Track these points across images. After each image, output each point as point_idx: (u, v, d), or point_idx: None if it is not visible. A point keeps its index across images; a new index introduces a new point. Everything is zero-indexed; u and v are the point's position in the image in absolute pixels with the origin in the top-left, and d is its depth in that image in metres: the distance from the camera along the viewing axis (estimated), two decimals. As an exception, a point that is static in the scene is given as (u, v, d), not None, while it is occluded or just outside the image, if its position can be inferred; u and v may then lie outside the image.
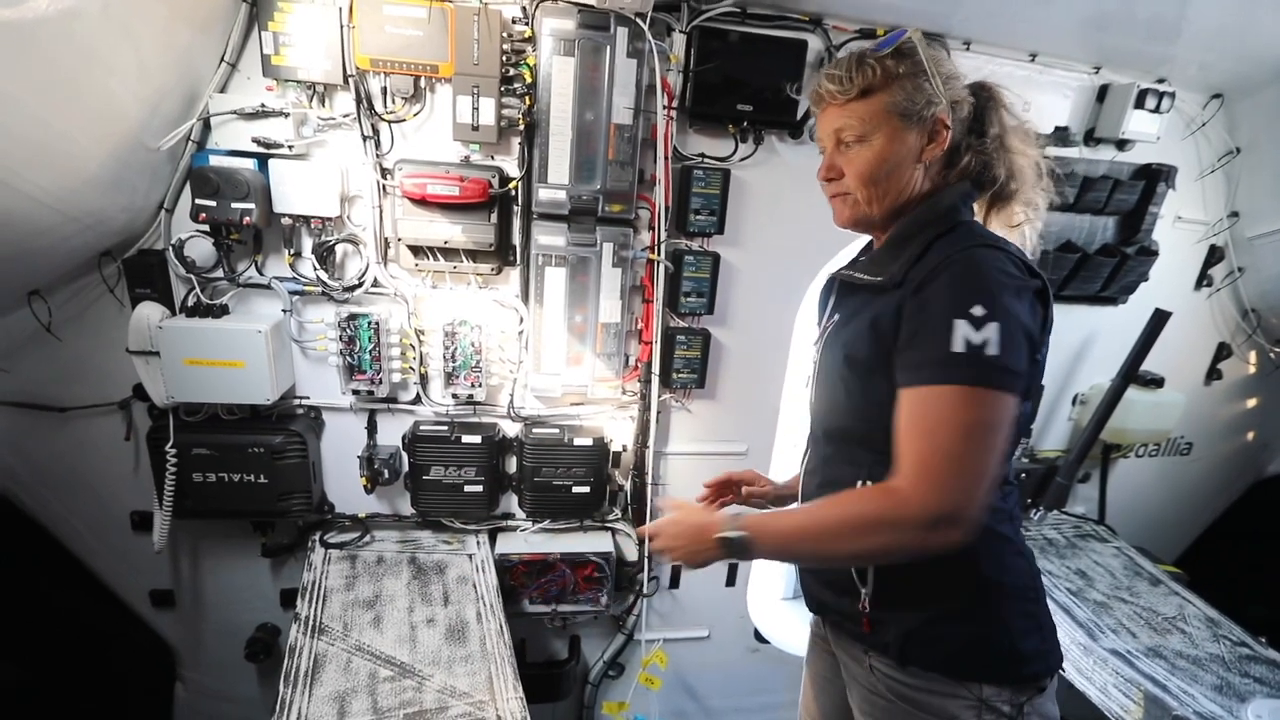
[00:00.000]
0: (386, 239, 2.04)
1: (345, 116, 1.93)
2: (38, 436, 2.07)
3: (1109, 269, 2.59)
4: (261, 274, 2.02)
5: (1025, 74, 2.33)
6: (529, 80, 1.91)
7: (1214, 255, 2.78)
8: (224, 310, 1.98)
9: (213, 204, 1.81)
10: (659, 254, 2.16)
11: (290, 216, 1.93)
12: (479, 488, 2.23)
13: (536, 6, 1.90)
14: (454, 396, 2.18)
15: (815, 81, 1.24)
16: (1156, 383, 2.80)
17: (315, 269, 2.02)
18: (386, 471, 2.20)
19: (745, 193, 2.23)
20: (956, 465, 0.99)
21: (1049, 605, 1.26)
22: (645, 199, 2.14)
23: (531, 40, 1.92)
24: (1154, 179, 2.52)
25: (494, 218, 1.99)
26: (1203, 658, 2.12)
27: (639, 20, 1.89)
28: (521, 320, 2.16)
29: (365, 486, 2.20)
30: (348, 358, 2.07)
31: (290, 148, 1.87)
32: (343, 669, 1.70)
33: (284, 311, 2.04)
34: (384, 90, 1.93)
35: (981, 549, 1.10)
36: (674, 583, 2.64)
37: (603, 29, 1.89)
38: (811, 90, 1.25)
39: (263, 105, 1.84)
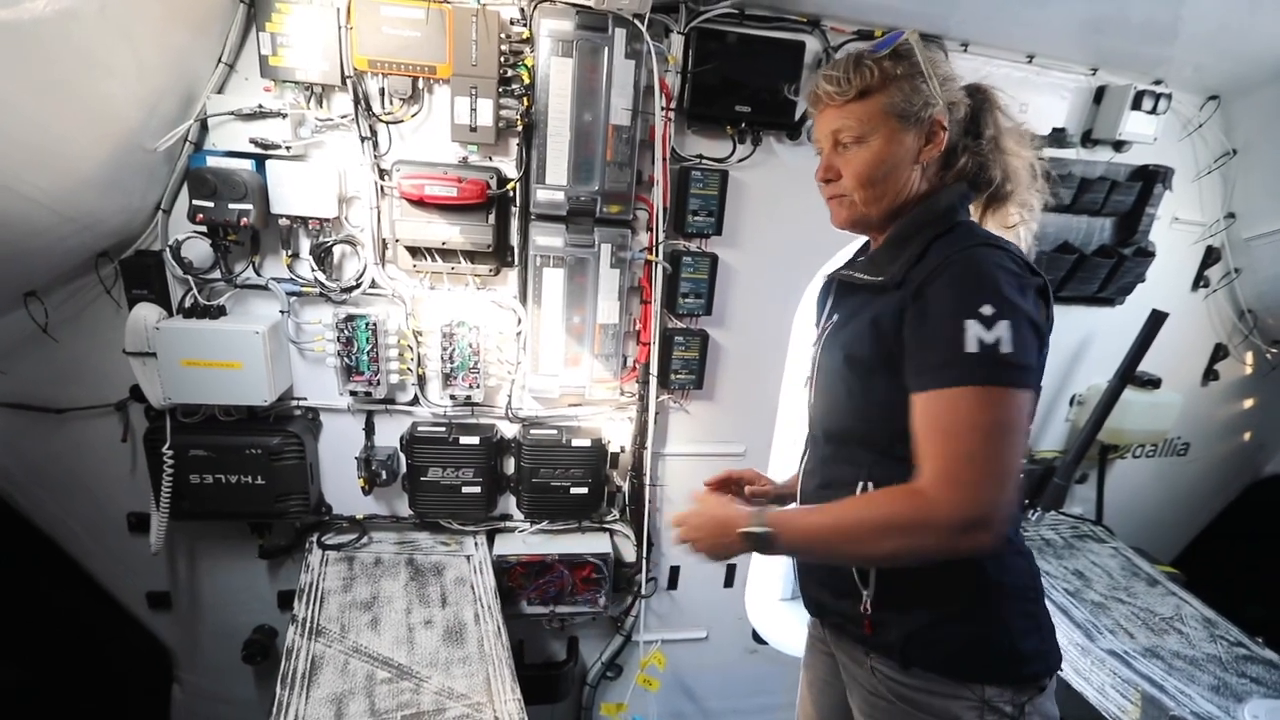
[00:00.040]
0: (384, 240, 2.04)
1: (343, 117, 1.93)
2: (34, 438, 2.07)
3: (1106, 270, 2.60)
4: (259, 275, 2.01)
5: (1022, 75, 2.33)
6: (527, 81, 1.91)
7: (1211, 256, 2.79)
8: (221, 311, 1.97)
9: (210, 205, 1.81)
10: (657, 255, 2.16)
11: (288, 217, 1.93)
12: (477, 489, 2.22)
13: (534, 7, 1.90)
14: (452, 398, 2.18)
15: (813, 83, 1.24)
16: (1154, 383, 2.81)
17: (313, 270, 2.02)
18: (384, 473, 2.19)
19: (743, 194, 2.23)
20: (983, 468, 0.99)
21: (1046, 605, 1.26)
22: (643, 200, 2.14)
23: (529, 41, 1.92)
24: (1151, 180, 2.53)
25: (492, 219, 1.99)
26: (1200, 658, 2.12)
27: (637, 21, 1.89)
28: (519, 321, 2.16)
29: (363, 488, 2.20)
30: (345, 359, 2.07)
31: (288, 149, 1.87)
32: (340, 671, 1.70)
33: (281, 312, 2.04)
34: (382, 91, 1.93)
35: None
36: (672, 584, 2.64)
37: (601, 30, 1.89)
38: (809, 91, 1.26)
39: (260, 106, 1.84)
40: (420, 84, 1.93)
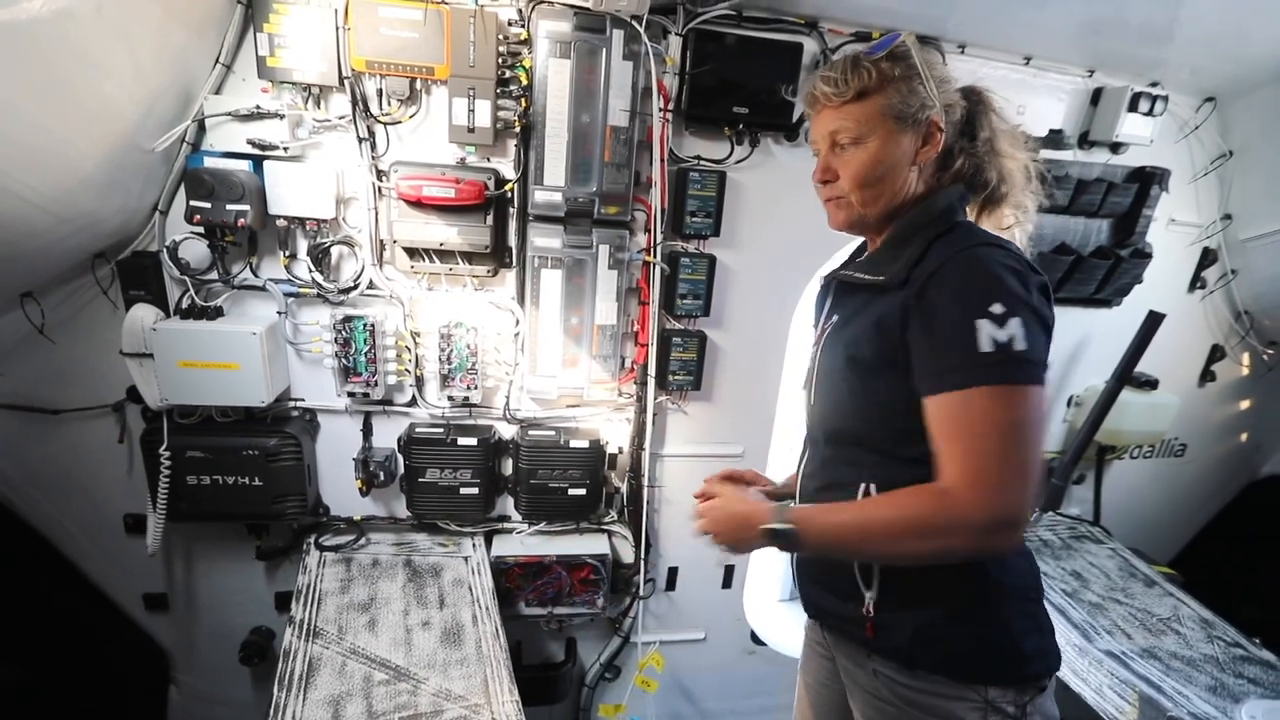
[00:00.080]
0: (382, 241, 2.04)
1: (341, 118, 1.93)
2: (31, 439, 2.06)
3: (1103, 271, 2.60)
4: (256, 276, 2.01)
5: (1020, 77, 2.34)
6: (525, 82, 1.91)
7: (1207, 258, 2.80)
8: (218, 312, 1.97)
9: (207, 206, 1.81)
10: (655, 256, 2.16)
11: (285, 218, 1.93)
12: (475, 490, 2.22)
13: (532, 9, 1.90)
14: (450, 399, 2.18)
15: (810, 84, 1.24)
16: (1151, 384, 2.82)
17: (310, 271, 2.01)
18: (382, 474, 2.19)
19: (741, 195, 2.23)
20: (1009, 467, 0.99)
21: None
22: (641, 201, 2.14)
23: (527, 43, 1.92)
24: (1148, 182, 2.53)
25: (490, 220, 1.99)
26: (1197, 659, 2.12)
27: (635, 23, 1.90)
28: (517, 322, 2.16)
29: (360, 489, 2.19)
30: (343, 360, 2.06)
31: (285, 149, 1.87)
32: (337, 672, 1.70)
33: (279, 313, 2.03)
34: (379, 92, 1.93)
35: None
36: (670, 585, 2.64)
37: (598, 31, 1.90)
38: (807, 93, 1.26)
39: (258, 107, 1.84)
40: (418, 85, 1.93)
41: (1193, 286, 2.85)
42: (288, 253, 1.99)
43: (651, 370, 2.27)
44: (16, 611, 2.28)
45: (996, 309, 1.01)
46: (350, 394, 2.12)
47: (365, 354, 2.06)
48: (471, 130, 1.91)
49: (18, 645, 2.33)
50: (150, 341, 1.87)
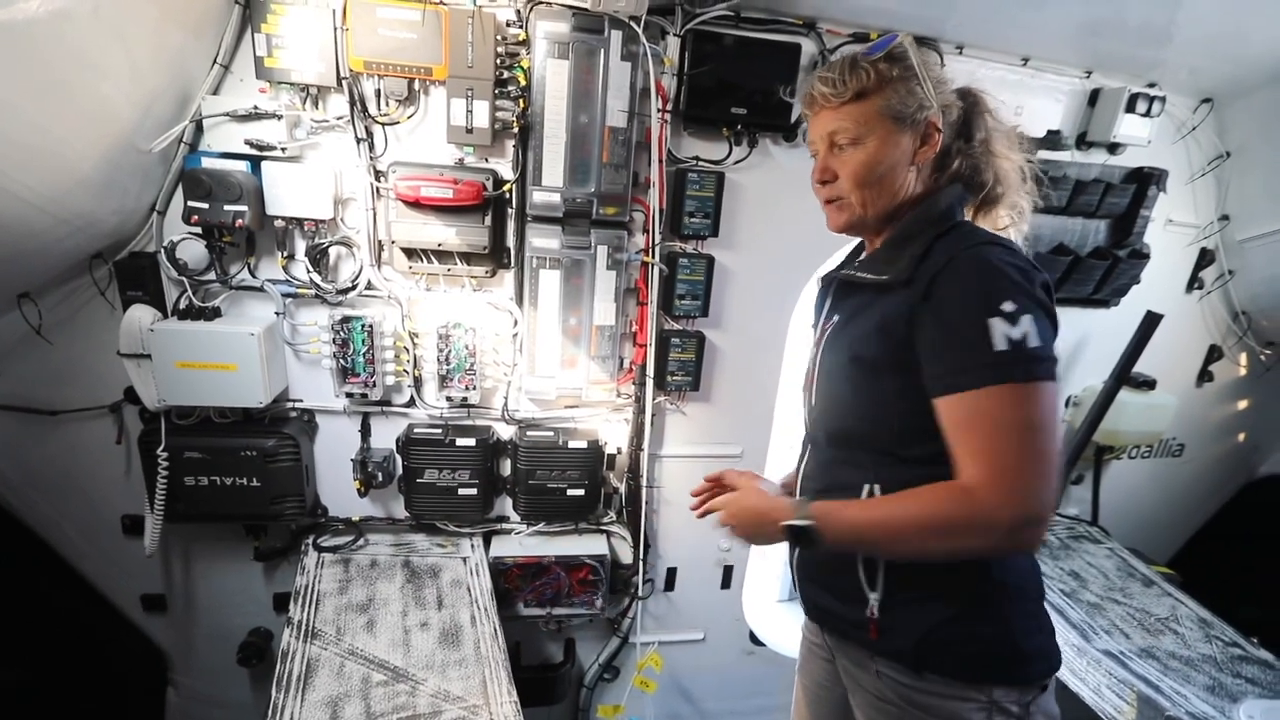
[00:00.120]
0: (380, 241, 2.04)
1: (339, 119, 1.92)
2: (28, 440, 2.06)
3: (1101, 272, 2.61)
4: (254, 276, 2.01)
5: (1018, 78, 2.34)
6: (523, 83, 1.91)
7: (1205, 258, 2.80)
8: (216, 313, 1.97)
9: (205, 206, 1.80)
10: (653, 257, 2.16)
11: (283, 219, 1.92)
12: (473, 491, 2.22)
13: (530, 9, 1.90)
14: (448, 399, 2.18)
15: (808, 85, 1.24)
16: (1148, 385, 2.82)
17: (308, 271, 2.01)
18: (380, 475, 2.19)
19: (739, 195, 2.23)
20: (1031, 464, 1.00)
21: (1042, 605, 1.26)
22: (640, 202, 2.14)
23: (526, 43, 1.92)
24: (1145, 182, 2.54)
25: (488, 220, 1.99)
26: (1195, 658, 2.13)
27: (633, 23, 1.90)
28: (516, 323, 2.16)
29: (359, 490, 2.19)
30: (341, 360, 2.06)
31: (283, 150, 1.87)
32: (336, 674, 1.70)
33: (277, 314, 2.03)
34: (378, 93, 1.93)
35: None
36: (669, 585, 2.64)
37: (597, 32, 1.90)
38: (805, 94, 1.26)
39: (256, 107, 1.83)
40: (416, 85, 1.93)
41: (1190, 287, 2.86)
42: (286, 253, 1.99)
43: (650, 371, 2.26)
44: (15, 613, 2.28)
45: (1008, 307, 1.01)
46: (348, 395, 2.12)
47: (363, 355, 2.06)
48: (470, 131, 1.91)
49: (16, 646, 2.32)
50: (148, 342, 1.87)
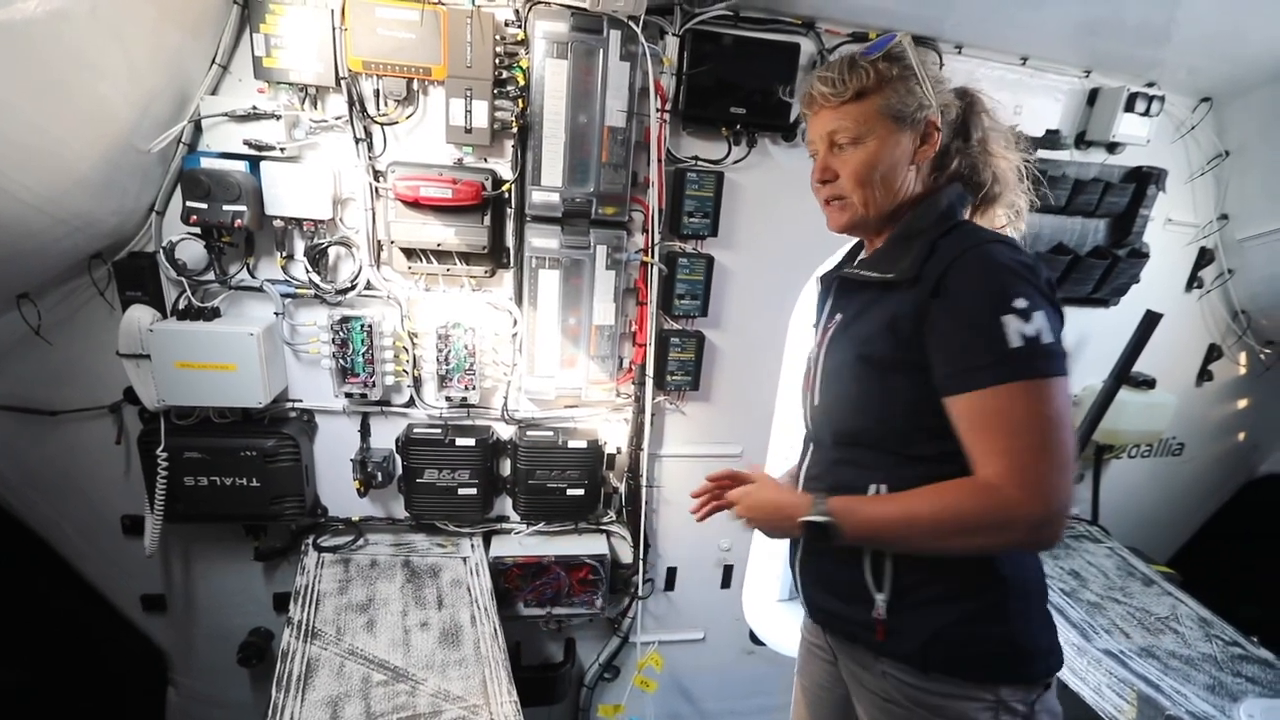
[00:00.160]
0: (379, 241, 2.04)
1: (337, 119, 1.92)
2: (28, 440, 2.06)
3: (1100, 271, 2.61)
4: (253, 277, 2.01)
5: (1016, 77, 2.34)
6: (522, 83, 1.91)
7: (1204, 257, 2.80)
8: (215, 313, 1.97)
9: (204, 206, 1.80)
10: (653, 256, 2.16)
11: (282, 219, 1.92)
12: (473, 491, 2.22)
13: (529, 9, 1.90)
14: (447, 399, 2.18)
15: (808, 85, 1.24)
16: (1148, 384, 2.82)
17: (307, 271, 2.01)
18: (380, 475, 2.19)
19: (738, 195, 2.23)
20: (1051, 460, 1.00)
21: (1043, 604, 1.26)
22: (639, 201, 2.14)
23: (524, 43, 1.92)
24: (1144, 182, 2.54)
25: (487, 220, 1.99)
26: (1195, 657, 2.13)
27: (632, 23, 1.90)
28: (515, 323, 2.16)
29: (358, 490, 2.19)
30: (340, 361, 2.06)
31: (282, 150, 1.87)
32: (336, 673, 1.70)
33: (276, 314, 2.03)
34: (376, 93, 1.93)
35: None
36: (669, 585, 2.64)
37: (596, 32, 1.90)
38: (804, 93, 1.26)
39: (254, 107, 1.83)
40: (415, 85, 1.93)
41: (1190, 286, 2.86)
42: (285, 253, 1.99)
43: (649, 370, 2.26)
44: (14, 613, 2.28)
45: (1020, 304, 1.01)
46: (348, 395, 2.12)
47: (363, 355, 2.06)
48: (468, 131, 1.91)
49: (16, 646, 2.32)
50: (147, 342, 1.87)
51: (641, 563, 2.46)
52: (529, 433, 2.24)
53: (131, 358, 1.90)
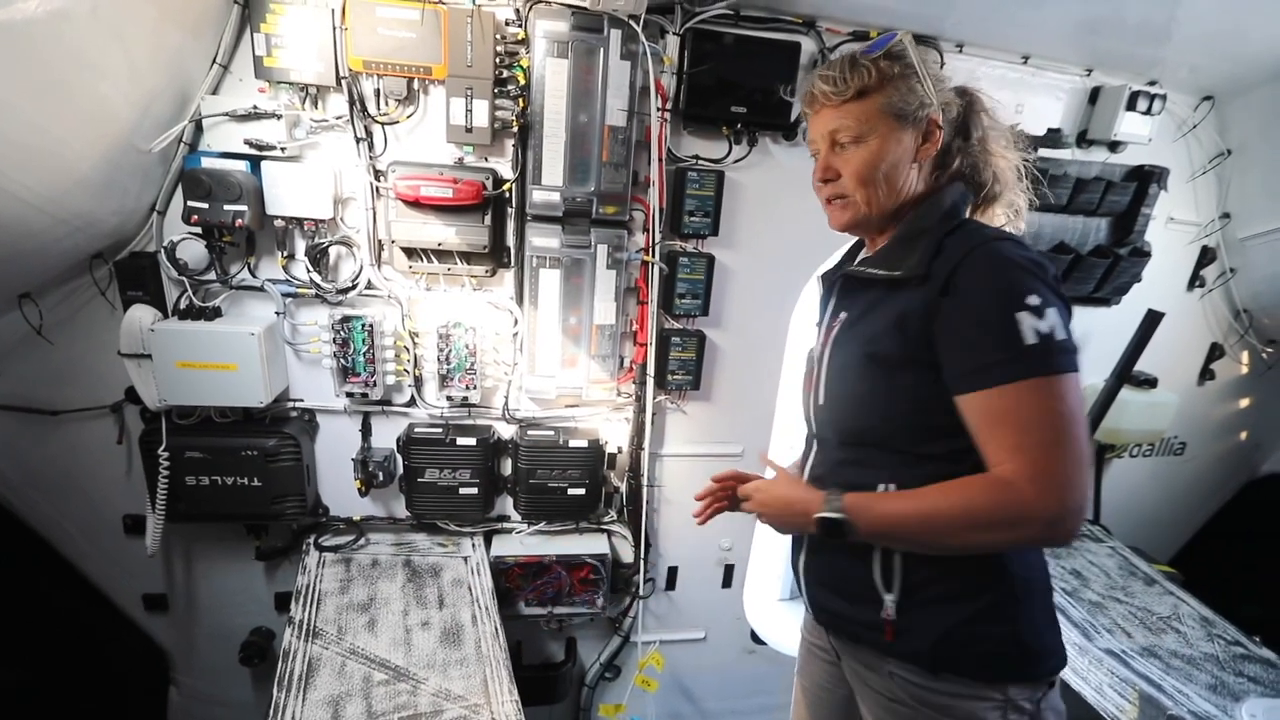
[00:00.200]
0: (380, 241, 2.04)
1: (338, 118, 1.93)
2: (29, 440, 2.06)
3: (1102, 270, 2.60)
4: (254, 276, 2.01)
5: (1018, 76, 2.34)
6: (522, 82, 1.91)
7: (1206, 256, 2.80)
8: (216, 313, 1.97)
9: (205, 206, 1.80)
10: (653, 256, 2.16)
11: (283, 219, 1.92)
12: (474, 490, 2.22)
13: (530, 8, 1.90)
14: (448, 399, 2.18)
15: (809, 83, 1.24)
16: (1150, 383, 2.82)
17: (308, 271, 2.01)
18: (381, 474, 2.19)
19: (739, 194, 2.23)
20: (1067, 457, 1.00)
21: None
22: (639, 201, 2.14)
23: (525, 42, 1.92)
24: (1146, 180, 2.53)
25: (488, 220, 1.99)
26: (1197, 657, 2.12)
27: (632, 22, 1.89)
28: (516, 322, 2.16)
29: (360, 489, 2.19)
30: (341, 360, 2.06)
31: (283, 150, 1.87)
32: (337, 673, 1.70)
33: (277, 314, 2.03)
34: (377, 92, 1.93)
35: None
36: (670, 585, 2.64)
37: (596, 31, 1.89)
38: (805, 92, 1.25)
39: (255, 107, 1.83)
40: (415, 85, 1.93)
41: (1191, 285, 2.85)
42: (286, 253, 1.99)
43: (650, 370, 2.26)
44: (16, 612, 2.28)
45: (1033, 300, 1.01)
46: (349, 394, 2.12)
47: (364, 354, 2.06)
48: (469, 130, 1.91)
49: (17, 646, 2.33)
50: (148, 342, 1.87)
51: (642, 562, 2.46)
52: (530, 432, 2.24)
53: (133, 357, 1.90)
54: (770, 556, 3.16)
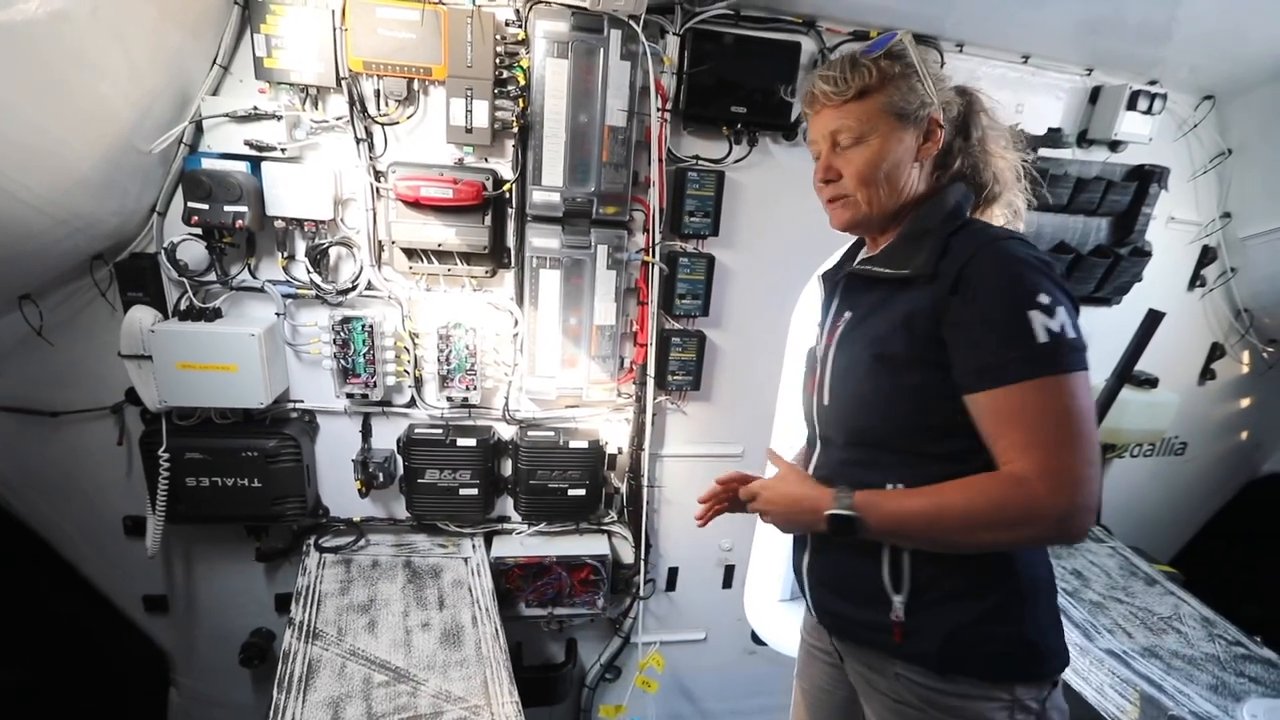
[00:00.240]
0: (380, 242, 2.04)
1: (338, 119, 1.92)
2: (29, 441, 2.06)
3: (1103, 270, 2.60)
4: (254, 277, 2.01)
5: (1018, 76, 2.34)
6: (522, 82, 1.91)
7: (1207, 256, 2.80)
8: (216, 314, 1.97)
9: (205, 207, 1.80)
10: (653, 256, 2.16)
11: (283, 219, 1.92)
12: (474, 491, 2.22)
13: (530, 9, 1.89)
14: (449, 399, 2.18)
15: (809, 84, 1.24)
16: (1151, 383, 2.81)
17: (308, 272, 2.01)
18: (381, 475, 2.19)
19: (739, 195, 2.23)
20: (1080, 454, 1.00)
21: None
22: (640, 201, 2.14)
23: (525, 43, 1.92)
24: (1147, 180, 2.53)
25: (488, 220, 1.99)
26: (1198, 657, 2.12)
27: (632, 22, 1.89)
28: (516, 323, 2.16)
29: (360, 490, 2.19)
30: (341, 361, 2.06)
31: (283, 150, 1.87)
32: (337, 674, 1.70)
33: (277, 315, 2.03)
34: (377, 93, 1.93)
35: None
36: (670, 585, 2.64)
37: (596, 31, 1.89)
38: (806, 92, 1.25)
39: (255, 108, 1.83)
40: (415, 85, 1.93)
41: (1192, 284, 2.85)
42: (286, 254, 1.99)
43: (650, 370, 2.26)
44: (16, 614, 2.28)
45: (1044, 299, 1.02)
46: (349, 395, 2.12)
47: (364, 355, 2.06)
48: (469, 131, 1.91)
49: (18, 647, 2.32)
50: (149, 343, 1.87)
51: (643, 563, 2.46)
52: (530, 433, 2.24)
53: (133, 358, 1.90)
54: (771, 557, 3.16)
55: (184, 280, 1.94)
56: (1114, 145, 2.49)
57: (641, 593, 2.51)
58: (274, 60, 1.80)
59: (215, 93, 1.85)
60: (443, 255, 2.03)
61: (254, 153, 1.85)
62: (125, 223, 1.87)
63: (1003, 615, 1.15)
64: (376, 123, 1.94)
